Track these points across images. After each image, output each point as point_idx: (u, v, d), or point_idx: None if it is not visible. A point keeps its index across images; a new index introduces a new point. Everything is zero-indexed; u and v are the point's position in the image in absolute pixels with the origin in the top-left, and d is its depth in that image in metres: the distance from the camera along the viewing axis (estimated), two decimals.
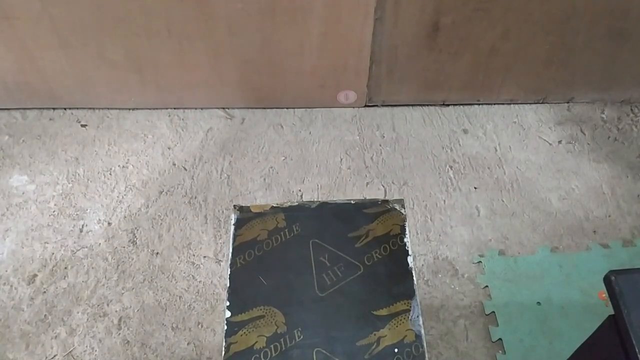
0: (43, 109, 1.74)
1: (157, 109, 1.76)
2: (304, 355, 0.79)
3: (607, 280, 0.79)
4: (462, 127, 1.74)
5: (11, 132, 1.69)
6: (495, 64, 1.64)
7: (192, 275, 1.39)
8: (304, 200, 1.53)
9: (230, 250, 0.89)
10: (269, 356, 0.79)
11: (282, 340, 0.80)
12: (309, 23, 1.48)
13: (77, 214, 1.50)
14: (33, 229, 1.47)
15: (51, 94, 1.68)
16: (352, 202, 0.96)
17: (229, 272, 0.87)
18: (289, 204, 0.95)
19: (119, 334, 1.30)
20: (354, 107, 1.77)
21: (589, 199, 1.56)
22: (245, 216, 0.93)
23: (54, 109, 1.74)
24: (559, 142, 1.70)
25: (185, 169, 1.61)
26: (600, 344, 0.85)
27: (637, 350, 0.71)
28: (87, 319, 1.31)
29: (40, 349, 1.27)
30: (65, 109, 1.75)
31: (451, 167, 1.63)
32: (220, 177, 1.59)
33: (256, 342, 0.80)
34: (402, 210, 0.95)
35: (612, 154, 1.67)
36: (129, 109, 1.75)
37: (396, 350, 0.82)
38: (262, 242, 0.90)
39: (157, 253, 1.43)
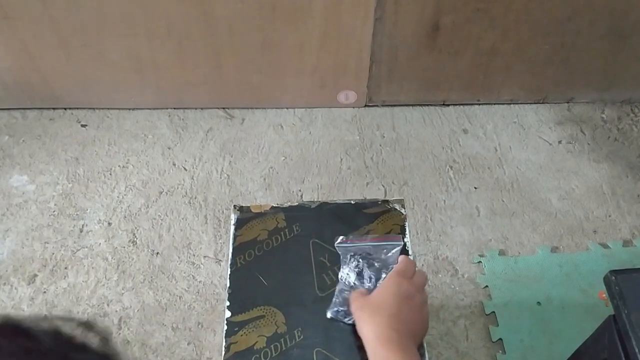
0: (43, 109, 1.74)
1: (157, 109, 1.76)
2: (304, 356, 0.79)
3: (607, 280, 0.79)
4: (462, 127, 1.74)
5: (11, 132, 1.69)
6: (495, 64, 1.64)
7: (192, 275, 1.39)
8: (304, 200, 1.53)
9: (230, 250, 0.89)
10: (269, 356, 0.78)
11: (282, 340, 0.80)
12: (309, 23, 1.48)
13: (77, 214, 1.50)
14: (33, 229, 1.47)
15: (51, 94, 1.68)
16: (352, 202, 0.96)
17: (229, 272, 0.87)
18: (289, 204, 0.95)
19: (119, 334, 1.29)
20: (354, 107, 1.77)
21: (589, 199, 1.56)
22: (245, 216, 0.93)
23: (54, 109, 1.74)
24: (559, 142, 1.70)
25: (185, 169, 1.61)
26: (600, 344, 0.85)
27: (637, 350, 0.71)
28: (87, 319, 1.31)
29: None
30: (65, 109, 1.75)
31: (451, 167, 1.63)
32: (220, 177, 1.59)
33: (256, 342, 0.80)
34: (402, 210, 0.94)
35: (612, 154, 1.67)
36: (129, 109, 1.75)
37: None
38: (262, 242, 0.90)
39: (157, 253, 1.43)
